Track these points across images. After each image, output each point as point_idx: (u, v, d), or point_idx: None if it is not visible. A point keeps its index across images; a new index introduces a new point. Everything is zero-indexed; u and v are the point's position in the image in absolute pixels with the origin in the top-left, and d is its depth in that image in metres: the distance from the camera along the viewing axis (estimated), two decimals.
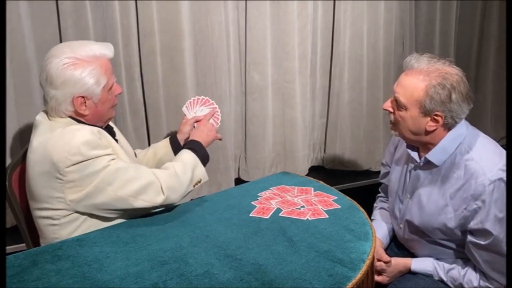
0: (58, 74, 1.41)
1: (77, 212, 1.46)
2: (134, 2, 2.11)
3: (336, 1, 2.51)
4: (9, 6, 1.87)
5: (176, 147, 1.89)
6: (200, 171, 1.62)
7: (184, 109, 1.90)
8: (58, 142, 1.40)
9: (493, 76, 3.11)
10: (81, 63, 1.43)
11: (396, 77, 2.73)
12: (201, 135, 1.74)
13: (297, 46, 2.43)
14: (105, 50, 1.49)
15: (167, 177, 1.50)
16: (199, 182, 1.61)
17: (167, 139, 1.90)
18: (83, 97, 1.45)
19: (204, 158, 1.66)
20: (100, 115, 1.53)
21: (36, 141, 1.45)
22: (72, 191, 1.41)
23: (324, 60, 2.61)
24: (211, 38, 2.24)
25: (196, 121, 1.90)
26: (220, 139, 1.85)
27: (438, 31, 2.87)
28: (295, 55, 2.44)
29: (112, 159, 1.44)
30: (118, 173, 1.43)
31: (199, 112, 1.90)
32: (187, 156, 1.62)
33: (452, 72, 1.44)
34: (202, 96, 1.92)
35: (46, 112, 1.52)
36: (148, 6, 2.12)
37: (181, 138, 1.89)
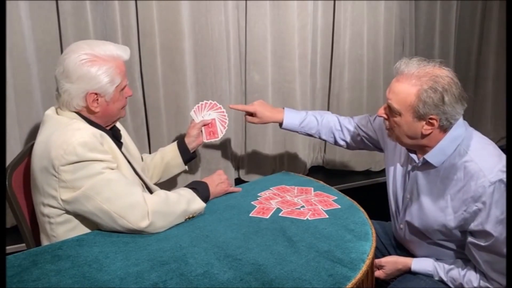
0: (75, 68, 1.44)
1: (69, 213, 1.46)
2: (134, 2, 2.11)
3: (336, 1, 2.51)
4: (9, 6, 1.86)
5: (184, 151, 1.90)
6: (199, 205, 1.57)
7: (192, 113, 1.93)
8: (58, 139, 1.41)
9: (493, 76, 3.10)
10: (98, 61, 1.46)
11: None
12: (211, 184, 1.71)
13: (297, 46, 2.43)
14: (122, 52, 1.53)
15: (156, 202, 1.47)
16: (193, 216, 1.57)
17: (175, 143, 1.92)
18: (96, 94, 1.48)
19: (204, 198, 1.61)
20: (110, 114, 1.54)
21: (42, 135, 1.48)
22: (64, 191, 1.41)
23: (324, 60, 2.61)
24: (211, 38, 2.24)
25: (204, 125, 1.92)
26: (231, 192, 1.78)
27: (438, 31, 2.87)
28: (295, 55, 2.44)
29: (108, 167, 1.44)
30: (109, 184, 1.42)
31: (206, 116, 1.93)
32: (185, 191, 1.59)
33: (443, 74, 1.42)
34: (210, 101, 1.94)
35: (55, 108, 1.54)
36: (148, 6, 2.12)
37: (188, 142, 1.90)
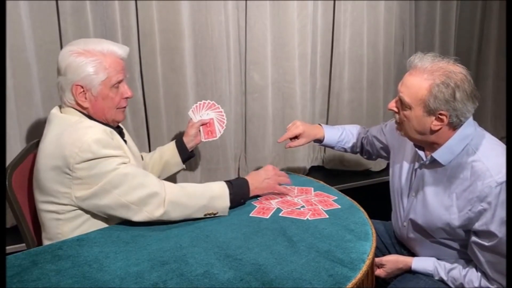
0: (63, 59, 1.47)
1: (81, 209, 1.47)
2: (134, 2, 2.11)
3: (336, 1, 2.51)
4: (9, 6, 1.87)
5: (182, 150, 1.90)
6: (222, 204, 1.54)
7: (190, 113, 1.93)
8: (71, 137, 1.42)
9: (493, 76, 3.11)
10: (85, 53, 1.48)
11: (396, 77, 2.74)
12: (257, 179, 1.65)
13: (297, 46, 2.43)
14: (116, 48, 1.53)
15: (175, 192, 1.48)
16: (214, 214, 1.55)
17: (173, 142, 1.92)
18: (82, 86, 1.48)
19: (238, 195, 1.57)
20: (101, 111, 1.53)
21: (51, 134, 1.48)
22: (79, 188, 1.42)
23: (324, 60, 2.61)
24: (211, 38, 2.24)
25: (202, 124, 1.92)
26: (279, 192, 1.69)
27: (438, 31, 2.87)
28: (295, 55, 2.44)
29: (122, 163, 1.45)
30: (126, 178, 1.44)
31: (204, 116, 1.93)
32: (216, 185, 1.57)
33: (456, 71, 1.42)
34: (208, 100, 1.94)
35: (60, 106, 1.56)
36: (148, 6, 2.12)
37: (187, 141, 1.91)
